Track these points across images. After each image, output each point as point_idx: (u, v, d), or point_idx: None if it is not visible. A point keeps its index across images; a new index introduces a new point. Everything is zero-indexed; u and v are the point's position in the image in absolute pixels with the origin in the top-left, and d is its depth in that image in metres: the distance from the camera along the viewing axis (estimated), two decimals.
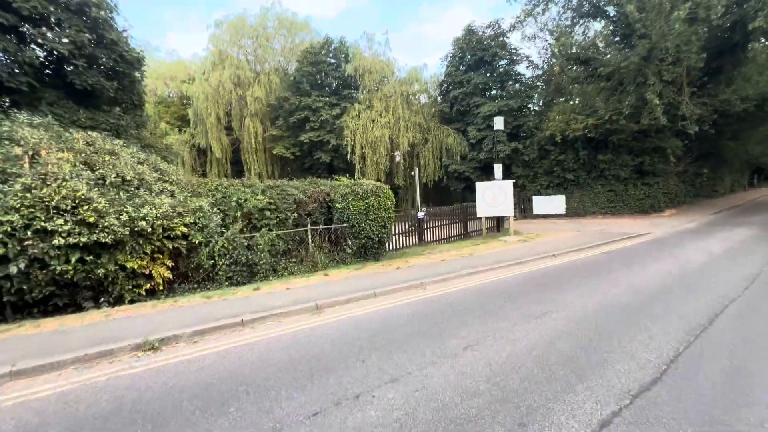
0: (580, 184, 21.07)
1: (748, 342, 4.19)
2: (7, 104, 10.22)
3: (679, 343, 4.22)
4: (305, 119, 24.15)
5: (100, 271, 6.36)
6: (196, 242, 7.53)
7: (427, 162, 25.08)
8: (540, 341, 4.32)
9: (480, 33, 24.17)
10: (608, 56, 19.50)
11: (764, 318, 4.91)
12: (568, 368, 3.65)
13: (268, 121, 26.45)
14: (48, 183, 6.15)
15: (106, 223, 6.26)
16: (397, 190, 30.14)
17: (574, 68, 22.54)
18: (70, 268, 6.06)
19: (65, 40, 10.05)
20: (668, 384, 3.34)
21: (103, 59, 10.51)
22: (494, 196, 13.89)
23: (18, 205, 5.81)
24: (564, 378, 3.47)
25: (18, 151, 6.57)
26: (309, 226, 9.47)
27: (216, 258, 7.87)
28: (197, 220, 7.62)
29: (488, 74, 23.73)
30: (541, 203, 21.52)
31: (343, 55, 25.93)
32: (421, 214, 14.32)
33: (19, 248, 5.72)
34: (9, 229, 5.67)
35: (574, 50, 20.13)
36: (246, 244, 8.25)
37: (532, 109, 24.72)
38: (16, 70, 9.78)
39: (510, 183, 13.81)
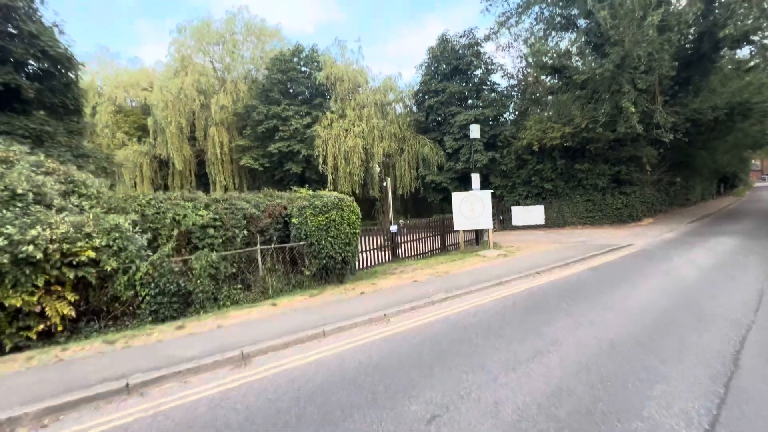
0: (558, 194, 20.61)
1: None
2: None
3: (708, 399, 3.21)
4: (274, 128, 22.89)
5: None
6: (109, 269, 6.12)
7: (404, 173, 24.19)
8: (531, 405, 3.22)
9: (454, 42, 23.79)
10: (582, 65, 19.41)
11: None
12: None
13: (235, 130, 25.01)
14: None
15: None
16: (374, 202, 29.08)
17: (548, 79, 22.45)
18: None
19: None
20: None
21: (18, 52, 8.99)
22: (471, 207, 13.00)
23: None
24: None
25: None
26: (259, 245, 8.17)
27: (138, 288, 6.46)
28: (112, 242, 6.21)
29: (464, 83, 23.26)
30: (520, 214, 20.93)
31: (315, 63, 24.97)
32: (394, 228, 13.23)
33: None
34: None
35: (547, 59, 19.95)
36: (178, 269, 6.88)
37: (508, 118, 24.38)
38: None
39: (488, 193, 12.98)
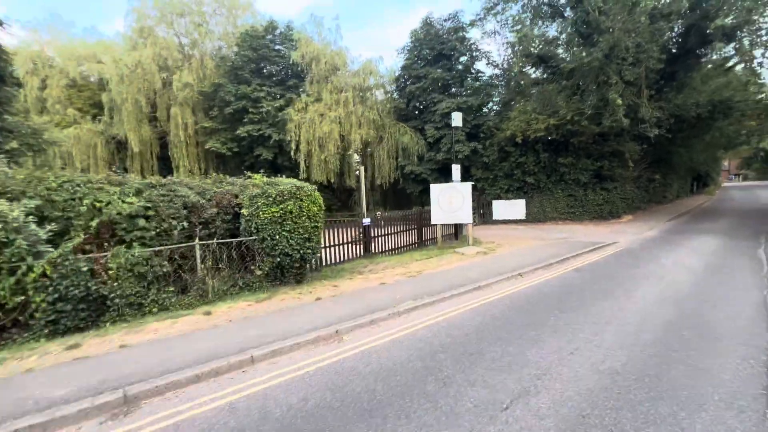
0: (540, 189, 20.01)
1: None
2: None
3: None
4: (244, 110, 21.18)
5: None
6: None
7: (382, 162, 23.01)
8: None
9: (438, 26, 22.58)
10: (569, 56, 18.69)
11: None
12: None
13: (201, 111, 23.09)
14: None
15: None
16: (351, 192, 27.84)
17: (533, 70, 21.66)
18: None
19: None
20: None
21: None
22: (451, 200, 12.06)
23: None
24: None
25: None
26: (197, 239, 6.91)
27: (31, 292, 5.15)
28: None
29: (447, 70, 22.14)
30: (502, 208, 20.26)
31: (290, 42, 23.24)
32: (367, 221, 12.13)
33: None
34: None
35: (533, 47, 19.12)
36: (87, 268, 5.57)
37: (492, 108, 23.53)
38: None
39: (469, 185, 12.05)
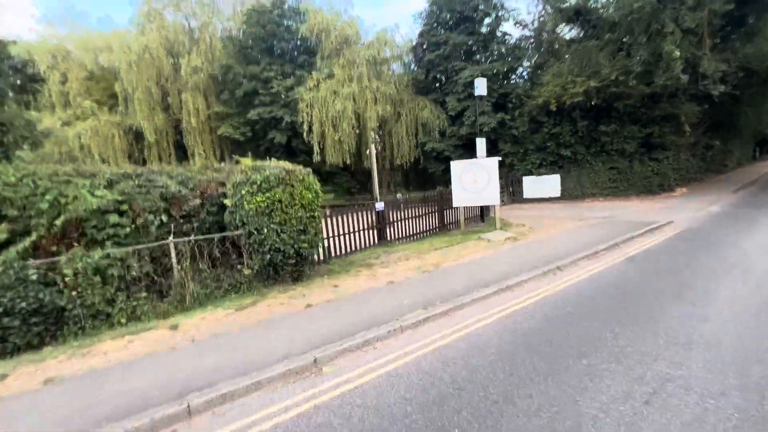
0: (577, 162, 17.86)
1: None
2: None
3: None
4: (254, 92, 20.22)
5: None
6: None
7: (401, 140, 21.48)
8: None
9: None
10: (611, 4, 16.10)
11: None
12: None
13: (212, 96, 22.37)
14: None
15: None
16: (370, 174, 26.62)
17: (568, 29, 19.06)
18: None
19: None
20: None
21: None
22: (475, 178, 10.59)
23: None
24: None
25: None
26: (172, 236, 6.00)
27: None
28: None
29: (469, 34, 19.96)
30: (533, 185, 18.36)
31: (299, 16, 21.80)
32: (380, 206, 10.93)
33: None
34: None
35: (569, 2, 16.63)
36: (36, 277, 4.79)
37: (521, 74, 21.18)
38: None
39: (495, 161, 10.50)
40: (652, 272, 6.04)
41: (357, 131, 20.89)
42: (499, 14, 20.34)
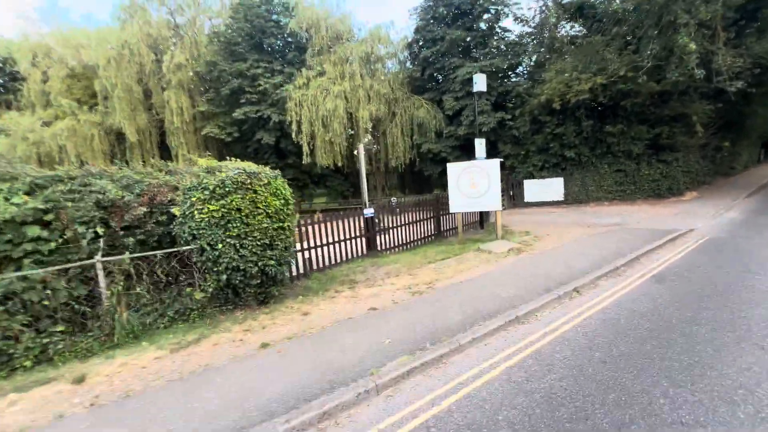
0: (582, 164, 16.86)
1: None
2: None
3: None
4: (240, 90, 19.12)
5: None
6: None
7: (396, 141, 20.42)
8: None
9: None
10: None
11: None
12: None
13: (197, 94, 21.29)
14: None
15: None
16: (365, 177, 25.53)
17: (570, 26, 18.10)
18: None
19: None
20: None
21: None
22: (473, 182, 9.55)
23: None
24: None
25: None
26: (99, 255, 4.89)
27: None
28: None
29: (467, 29, 18.96)
30: (535, 189, 17.35)
31: (288, 11, 20.77)
32: (369, 212, 9.85)
33: None
34: None
35: None
36: None
37: (521, 72, 20.18)
38: None
39: (496, 163, 9.46)
40: (691, 297, 4.97)
41: (349, 131, 19.85)
42: (498, 9, 19.37)
